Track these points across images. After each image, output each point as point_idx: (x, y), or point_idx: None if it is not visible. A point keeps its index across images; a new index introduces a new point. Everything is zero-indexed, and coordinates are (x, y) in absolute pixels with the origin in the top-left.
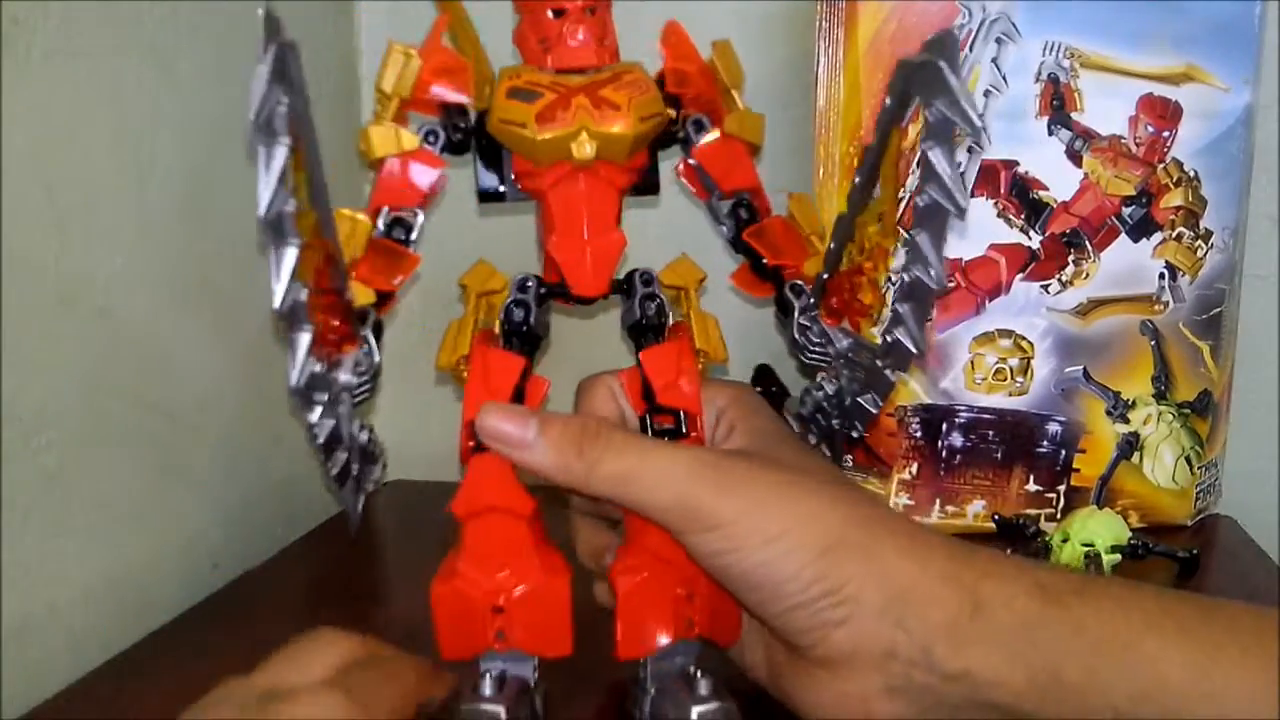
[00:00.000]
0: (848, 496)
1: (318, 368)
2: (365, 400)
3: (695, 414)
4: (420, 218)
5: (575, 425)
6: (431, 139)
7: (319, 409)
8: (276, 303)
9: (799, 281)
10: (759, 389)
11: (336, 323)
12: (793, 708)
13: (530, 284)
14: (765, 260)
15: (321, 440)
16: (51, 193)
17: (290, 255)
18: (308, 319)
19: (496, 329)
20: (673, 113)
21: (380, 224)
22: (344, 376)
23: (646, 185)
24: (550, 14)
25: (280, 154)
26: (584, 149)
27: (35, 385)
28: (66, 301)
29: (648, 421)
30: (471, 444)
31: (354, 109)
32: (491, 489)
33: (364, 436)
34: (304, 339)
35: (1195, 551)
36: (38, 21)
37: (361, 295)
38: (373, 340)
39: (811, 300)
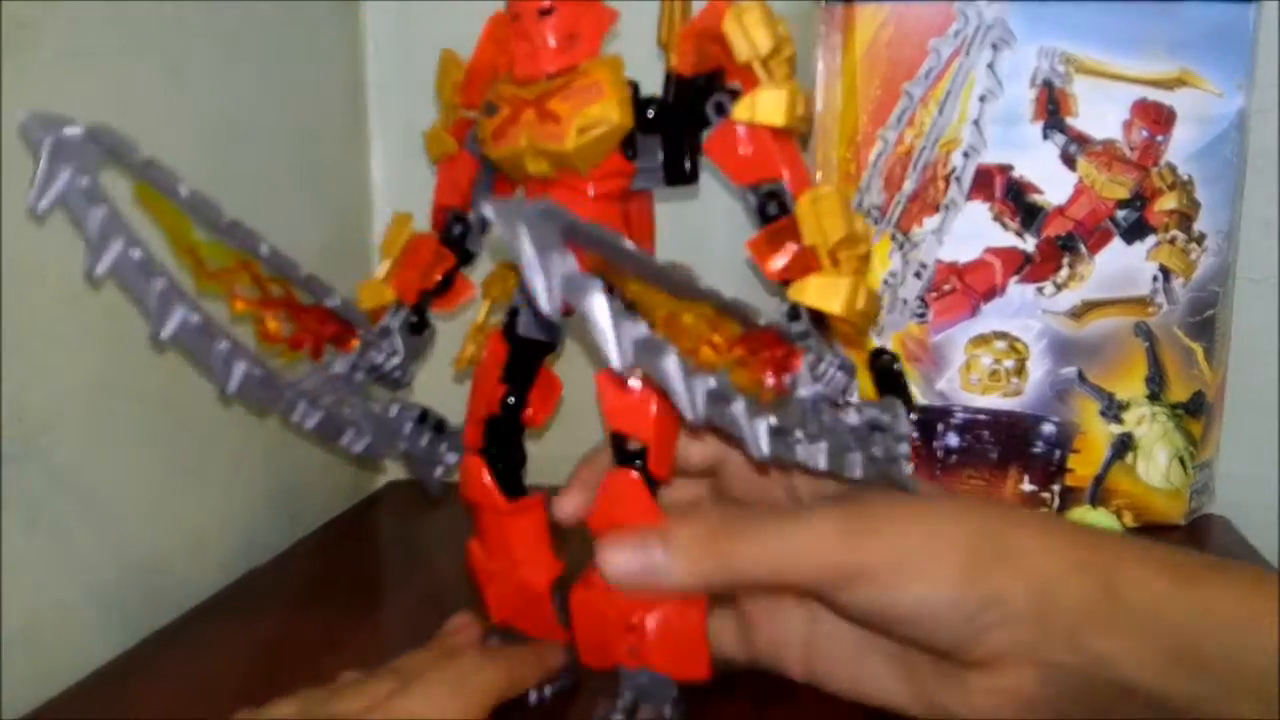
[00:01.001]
0: (967, 506)
1: (257, 371)
2: (396, 386)
3: (647, 442)
4: (474, 216)
5: (701, 528)
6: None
7: (293, 406)
8: (154, 333)
9: (797, 305)
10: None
11: (307, 326)
12: (929, 712)
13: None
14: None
15: (310, 426)
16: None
17: (157, 288)
18: (219, 334)
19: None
20: (629, 123)
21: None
22: (339, 368)
23: (680, 175)
24: (511, 19)
25: (96, 216)
26: (539, 165)
27: (42, 384)
28: (73, 300)
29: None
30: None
31: (360, 109)
32: (625, 507)
33: (393, 411)
34: (220, 349)
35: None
36: (44, 23)
37: (370, 297)
38: (376, 337)
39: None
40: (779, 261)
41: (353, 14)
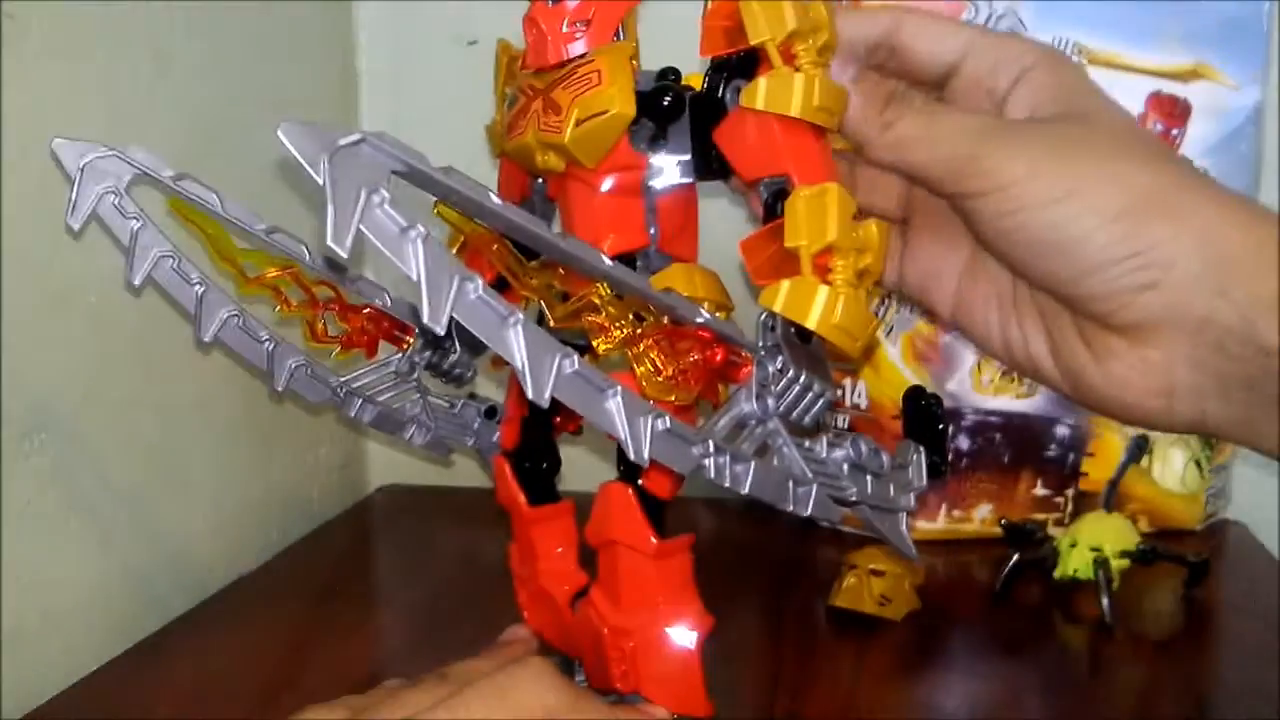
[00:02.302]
0: (1159, 157)
1: (305, 368)
2: (459, 381)
3: None
4: (538, 207)
5: (886, 87)
6: None
7: (347, 402)
8: (198, 336)
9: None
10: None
11: (359, 325)
12: (1071, 384)
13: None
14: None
15: (366, 421)
16: (45, 190)
17: (196, 293)
18: (263, 333)
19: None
20: (629, 112)
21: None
22: (397, 365)
23: (706, 168)
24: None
25: (129, 229)
26: (548, 159)
27: (29, 385)
28: (60, 301)
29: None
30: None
31: (351, 102)
32: (616, 522)
33: (458, 406)
34: (266, 348)
35: (1205, 557)
36: (32, 18)
37: None
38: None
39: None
40: (764, 266)
41: (345, 7)
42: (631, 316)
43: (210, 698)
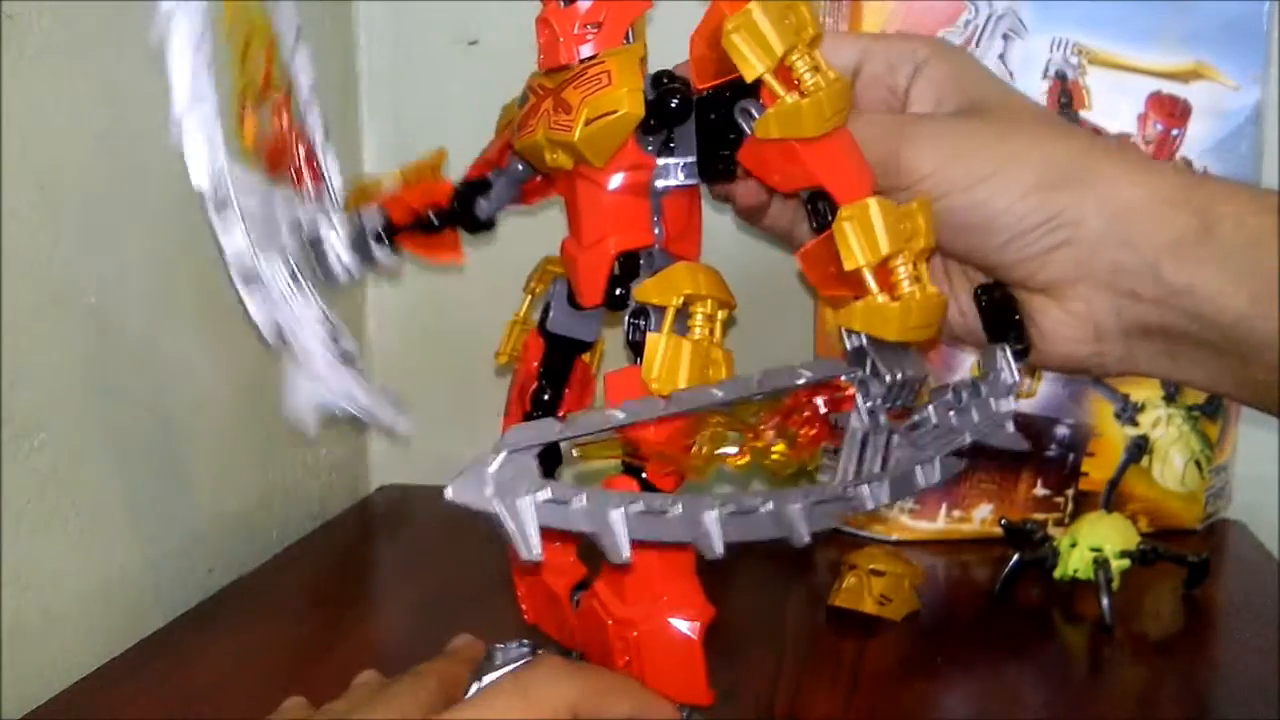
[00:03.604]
0: (1062, 134)
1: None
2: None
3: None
4: (503, 185)
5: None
6: None
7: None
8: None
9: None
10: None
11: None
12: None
13: (558, 288)
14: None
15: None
16: (45, 190)
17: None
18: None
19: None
20: (638, 112)
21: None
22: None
23: (713, 171)
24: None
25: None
26: (557, 157)
27: (28, 386)
28: (59, 301)
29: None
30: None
31: (351, 100)
32: None
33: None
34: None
35: (1205, 557)
36: (32, 18)
37: (359, 193)
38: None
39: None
40: (828, 278)
41: (345, 6)
42: (746, 420)
43: (210, 697)
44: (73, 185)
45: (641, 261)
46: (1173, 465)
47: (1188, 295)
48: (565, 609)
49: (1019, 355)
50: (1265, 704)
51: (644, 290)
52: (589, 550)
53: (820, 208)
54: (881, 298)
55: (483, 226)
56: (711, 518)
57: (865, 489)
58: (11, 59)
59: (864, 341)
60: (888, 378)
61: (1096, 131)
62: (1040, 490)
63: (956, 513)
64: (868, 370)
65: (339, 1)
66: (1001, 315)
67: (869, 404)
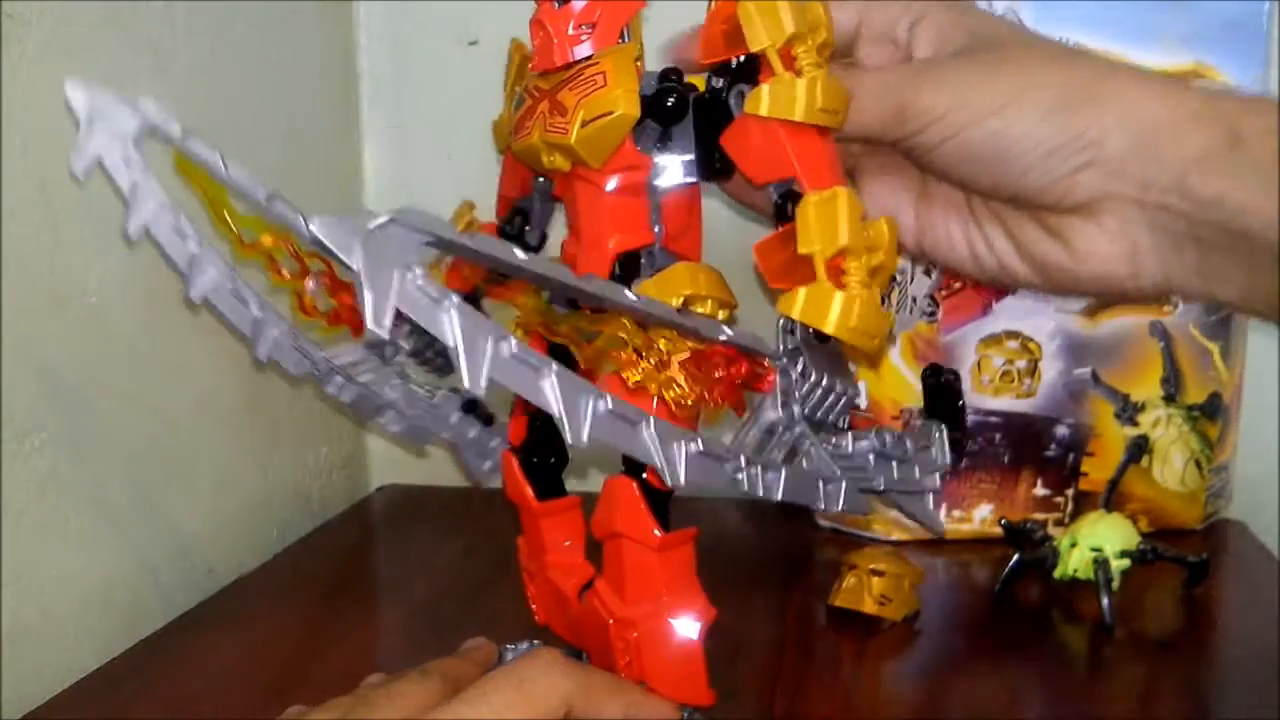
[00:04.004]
0: (1076, 58)
1: (290, 340)
2: (439, 372)
3: None
4: (537, 205)
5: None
6: None
7: (328, 379)
8: (186, 293)
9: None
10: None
11: (348, 303)
12: (1042, 275)
13: (583, 329)
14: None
15: (345, 400)
16: (45, 190)
17: (190, 249)
18: (253, 300)
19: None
20: (634, 113)
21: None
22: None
23: (709, 170)
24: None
25: (130, 178)
26: (554, 159)
27: (27, 385)
28: (59, 300)
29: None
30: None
31: (351, 103)
32: (620, 515)
33: (437, 397)
34: (253, 315)
35: (1205, 557)
36: (32, 18)
37: None
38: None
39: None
40: (778, 269)
41: (345, 7)
42: (658, 345)
43: (211, 697)
44: (73, 185)
45: (643, 261)
46: (1173, 465)
47: (1217, 207)
48: (573, 608)
49: (954, 443)
50: (1265, 704)
51: (644, 290)
52: (595, 550)
53: (788, 208)
54: (827, 286)
55: (538, 251)
56: (590, 403)
57: (756, 470)
58: (12, 59)
59: (800, 339)
60: (812, 377)
61: None
62: (1040, 490)
63: (956, 513)
64: (798, 369)
65: (339, 1)
66: (945, 401)
67: (788, 399)
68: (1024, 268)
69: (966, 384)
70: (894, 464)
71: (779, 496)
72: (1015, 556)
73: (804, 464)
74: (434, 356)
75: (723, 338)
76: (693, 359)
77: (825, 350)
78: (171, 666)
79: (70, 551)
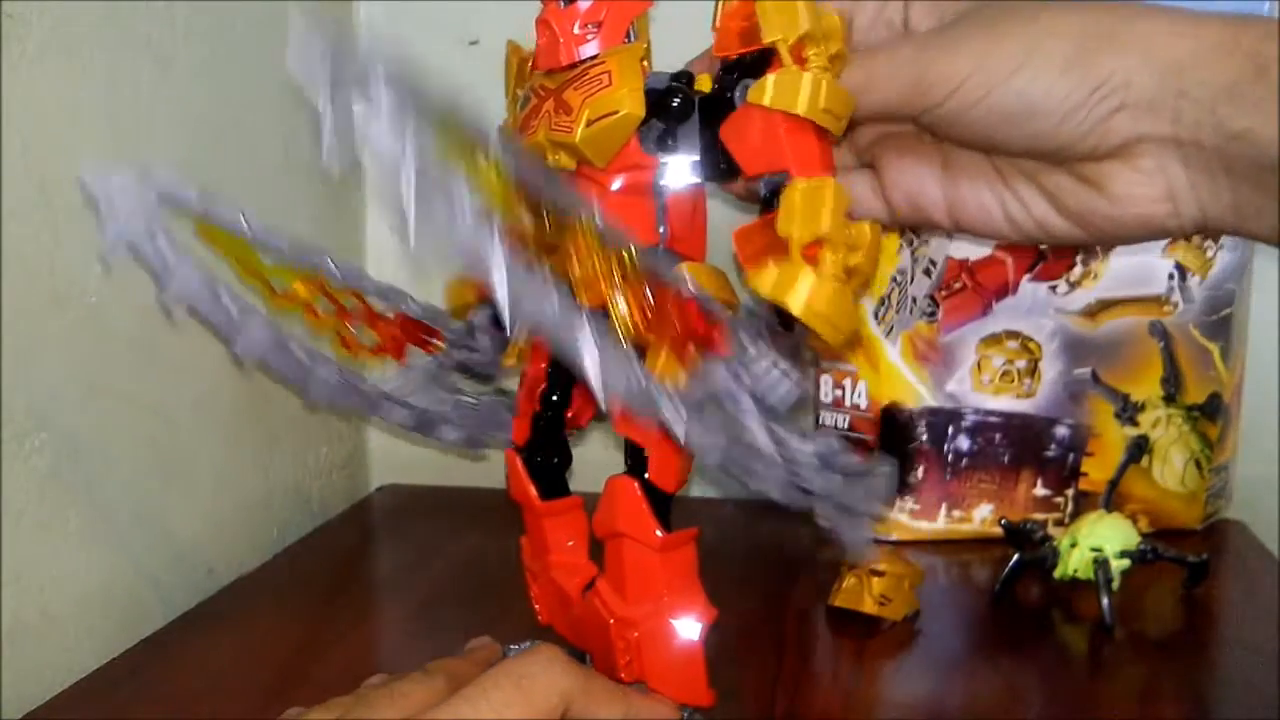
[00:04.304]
0: (1088, 4)
1: (337, 378)
2: (487, 380)
3: (645, 446)
4: None
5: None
6: None
7: (380, 408)
8: (232, 352)
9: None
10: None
11: (388, 333)
12: (1084, 226)
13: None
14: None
15: (401, 424)
16: (45, 190)
17: (229, 310)
18: (296, 346)
19: None
20: (639, 112)
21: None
22: (425, 367)
23: (713, 170)
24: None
25: (157, 251)
26: (559, 158)
27: (28, 385)
28: (60, 300)
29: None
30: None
31: None
32: (622, 514)
33: (485, 402)
34: (299, 361)
35: (1205, 557)
36: (32, 18)
37: (455, 296)
38: (462, 335)
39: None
40: (754, 254)
41: (345, 6)
42: (614, 266)
43: (210, 698)
44: (73, 185)
45: None
46: (1173, 465)
47: (1247, 140)
48: (576, 608)
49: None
50: (1265, 704)
51: None
52: (598, 550)
53: (775, 200)
54: (799, 265)
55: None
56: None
57: (697, 424)
58: (12, 58)
59: (764, 322)
60: (769, 356)
61: (1031, 253)
62: (1040, 490)
63: (956, 513)
64: (755, 343)
65: (339, 1)
66: (900, 441)
67: (739, 370)
68: (1063, 222)
69: (967, 384)
70: (839, 476)
71: (716, 460)
72: (1015, 556)
73: (744, 439)
74: (478, 367)
75: (687, 290)
76: (646, 294)
77: (787, 337)
78: (171, 667)
79: (70, 551)
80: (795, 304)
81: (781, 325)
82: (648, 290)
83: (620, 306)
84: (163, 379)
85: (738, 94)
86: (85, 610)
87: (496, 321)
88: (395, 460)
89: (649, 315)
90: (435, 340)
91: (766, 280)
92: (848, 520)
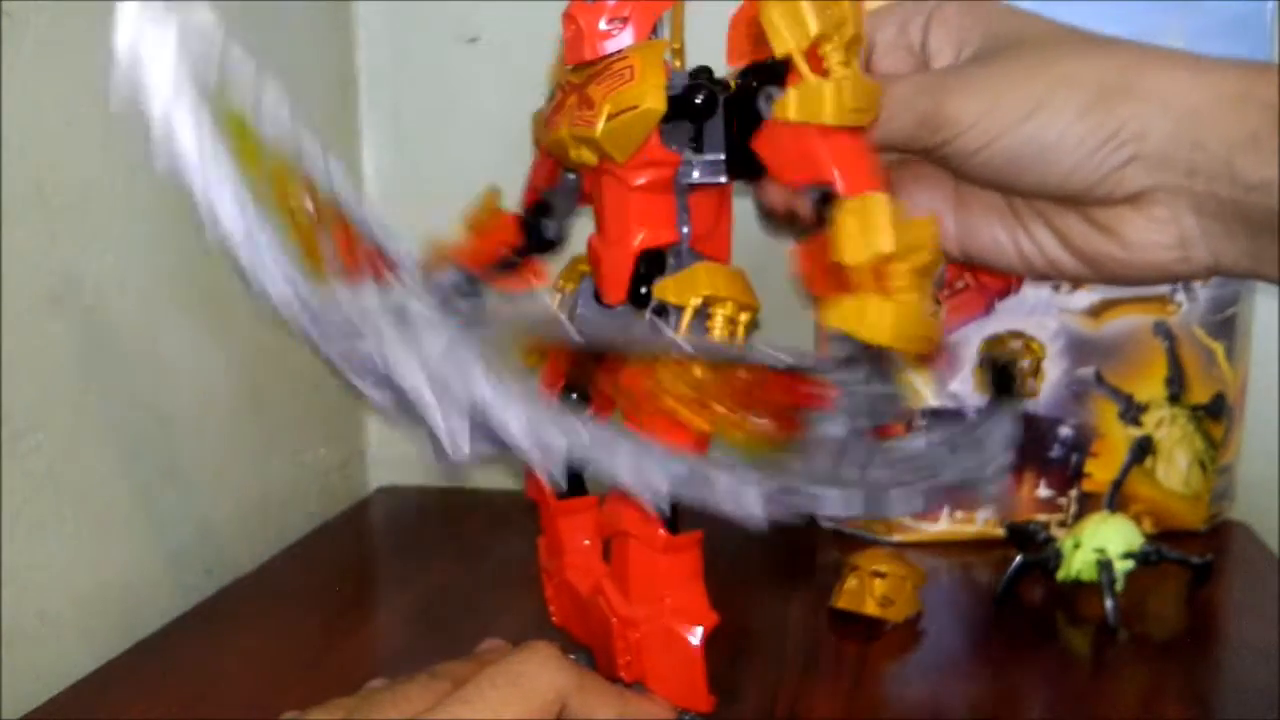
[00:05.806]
0: (1104, 49)
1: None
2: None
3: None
4: (561, 200)
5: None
6: None
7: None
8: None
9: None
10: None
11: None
12: (1094, 268)
13: (585, 286)
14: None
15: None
16: (42, 189)
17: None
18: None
19: None
20: (660, 107)
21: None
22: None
23: (739, 168)
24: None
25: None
26: (581, 153)
27: (24, 386)
28: (56, 300)
29: None
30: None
31: (350, 99)
32: (627, 513)
33: None
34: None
35: (1209, 558)
36: (30, 15)
37: (433, 254)
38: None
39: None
40: (819, 275)
41: (344, 5)
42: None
43: (209, 698)
44: (72, 185)
45: (670, 260)
46: (1177, 466)
47: (1264, 191)
48: (587, 608)
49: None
50: (1269, 706)
51: (663, 288)
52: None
53: (826, 213)
54: (874, 297)
55: (556, 245)
56: (663, 465)
57: (836, 492)
58: (10, 58)
59: (851, 348)
60: (870, 386)
61: None
62: (1043, 491)
63: (959, 514)
64: (857, 379)
65: (338, 0)
66: (998, 379)
67: (852, 414)
68: (1073, 262)
69: (970, 384)
70: (960, 452)
71: (858, 511)
72: (1018, 558)
73: (873, 475)
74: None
75: (783, 365)
76: (742, 388)
77: (877, 356)
78: (170, 668)
79: (67, 552)
80: (870, 335)
81: (865, 348)
82: (749, 388)
83: (751, 422)
84: (161, 379)
85: (762, 102)
86: (83, 611)
87: (462, 292)
88: (394, 461)
89: (748, 409)
90: (390, 275)
91: (836, 316)
92: (985, 487)
